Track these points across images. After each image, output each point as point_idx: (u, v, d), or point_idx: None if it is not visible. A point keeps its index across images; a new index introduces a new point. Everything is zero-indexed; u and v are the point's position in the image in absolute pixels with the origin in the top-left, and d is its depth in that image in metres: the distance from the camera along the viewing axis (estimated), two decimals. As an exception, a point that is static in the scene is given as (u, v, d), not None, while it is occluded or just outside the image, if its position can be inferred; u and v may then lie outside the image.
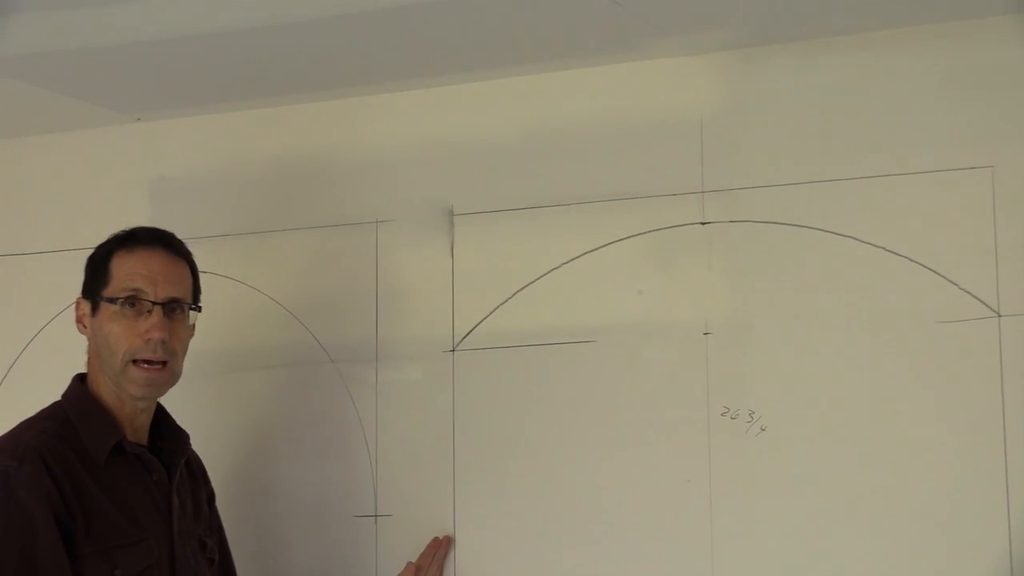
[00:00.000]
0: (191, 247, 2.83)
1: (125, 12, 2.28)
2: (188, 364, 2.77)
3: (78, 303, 2.35)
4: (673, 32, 2.40)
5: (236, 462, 2.74)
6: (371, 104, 2.74)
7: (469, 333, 2.61)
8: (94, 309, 2.32)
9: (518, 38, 2.45)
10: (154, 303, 2.28)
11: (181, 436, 2.42)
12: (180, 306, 2.32)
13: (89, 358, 2.35)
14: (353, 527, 2.62)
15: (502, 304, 2.60)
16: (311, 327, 2.74)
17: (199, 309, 2.37)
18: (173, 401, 2.77)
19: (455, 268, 2.64)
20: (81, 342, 2.35)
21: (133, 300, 2.28)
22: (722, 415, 2.41)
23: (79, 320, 2.35)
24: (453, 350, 2.62)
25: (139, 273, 2.30)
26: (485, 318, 2.60)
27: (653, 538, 2.44)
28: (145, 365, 2.27)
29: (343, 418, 2.69)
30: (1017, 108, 2.28)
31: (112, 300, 2.28)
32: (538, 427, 2.54)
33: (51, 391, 2.90)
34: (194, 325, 2.36)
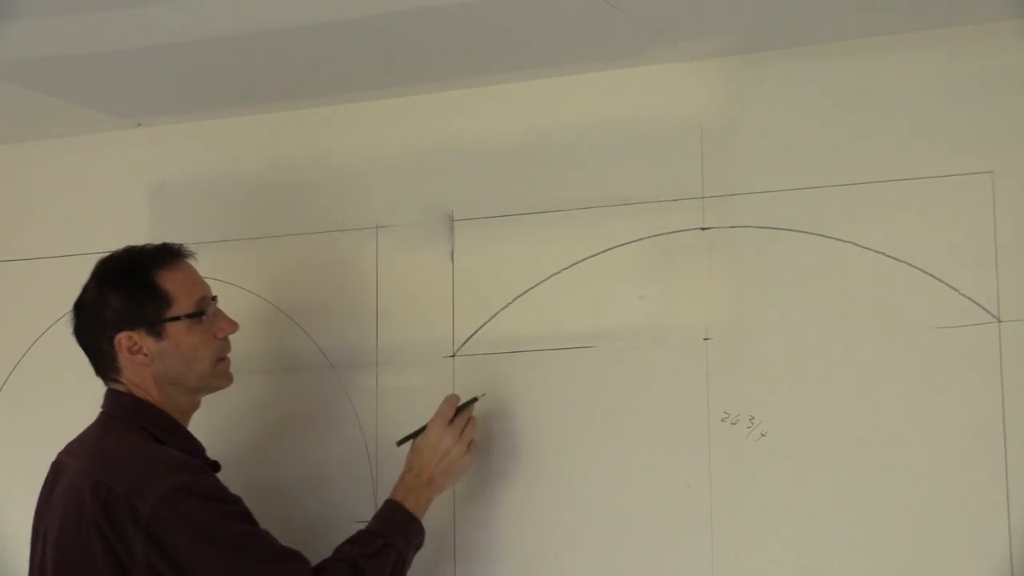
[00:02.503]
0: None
1: (126, 17, 2.28)
2: (189, 369, 2.77)
3: (128, 337, 2.34)
4: (673, 38, 2.40)
5: (236, 466, 2.73)
6: (371, 109, 2.74)
7: (469, 338, 2.61)
8: (158, 334, 2.35)
9: (518, 44, 2.45)
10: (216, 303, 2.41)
11: None
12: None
13: (140, 382, 2.36)
14: (353, 532, 2.62)
15: (502, 309, 2.60)
16: (311, 332, 2.74)
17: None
18: (173, 406, 2.77)
19: (455, 273, 2.64)
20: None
21: (204, 309, 2.38)
22: (722, 420, 2.41)
23: (135, 352, 2.34)
24: (453, 355, 2.62)
25: (195, 282, 2.41)
26: (485, 323, 2.60)
27: (653, 543, 2.44)
28: (227, 358, 2.44)
29: (343, 423, 2.69)
30: (1017, 113, 2.28)
31: (188, 316, 2.36)
32: (538, 432, 2.54)
33: (52, 396, 2.91)
34: None
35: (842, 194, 2.37)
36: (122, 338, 2.34)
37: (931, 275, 2.30)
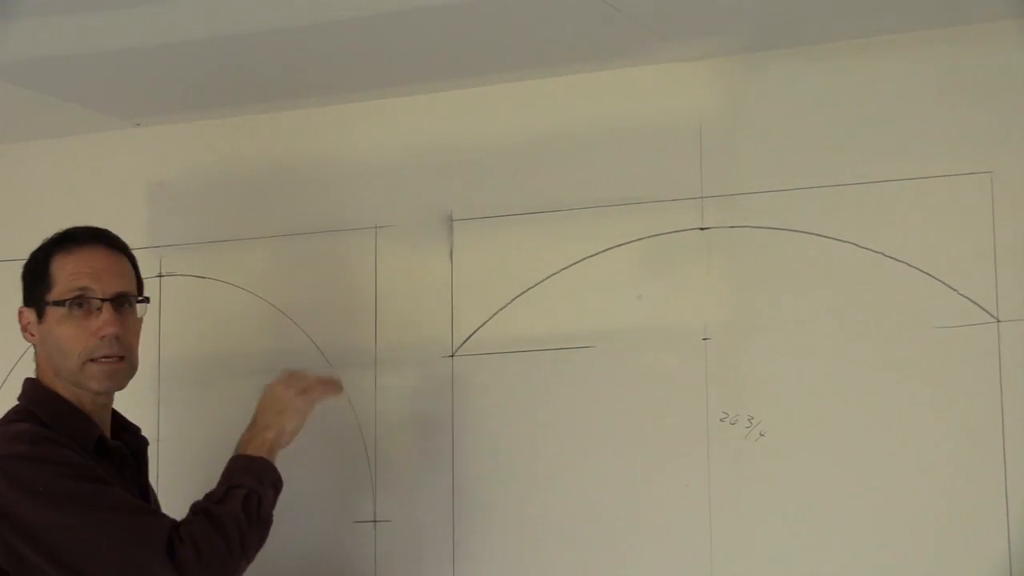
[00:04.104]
0: (190, 252, 2.84)
1: (125, 17, 2.28)
2: (188, 369, 2.78)
3: (21, 313, 2.31)
4: (672, 37, 2.40)
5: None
6: (370, 109, 2.74)
7: (468, 338, 2.61)
8: (40, 316, 2.28)
9: (517, 43, 2.45)
10: (103, 300, 2.26)
11: (135, 428, 2.40)
12: (128, 300, 2.30)
13: (39, 364, 2.31)
14: (352, 532, 2.62)
15: (501, 309, 2.60)
16: (310, 332, 2.74)
17: (147, 300, 2.34)
18: (175, 405, 2.78)
19: (454, 273, 2.64)
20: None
21: (81, 300, 2.26)
22: (721, 420, 2.41)
23: (24, 329, 2.31)
24: (452, 355, 2.62)
25: (83, 272, 2.28)
26: (484, 323, 2.60)
27: (652, 543, 2.44)
28: (104, 360, 2.25)
29: (342, 423, 2.69)
30: (1016, 113, 2.28)
31: (59, 303, 2.26)
32: (537, 432, 2.54)
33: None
34: (142, 318, 2.33)
35: (841, 194, 2.37)
36: (21, 312, 2.32)
37: (930, 275, 2.30)
